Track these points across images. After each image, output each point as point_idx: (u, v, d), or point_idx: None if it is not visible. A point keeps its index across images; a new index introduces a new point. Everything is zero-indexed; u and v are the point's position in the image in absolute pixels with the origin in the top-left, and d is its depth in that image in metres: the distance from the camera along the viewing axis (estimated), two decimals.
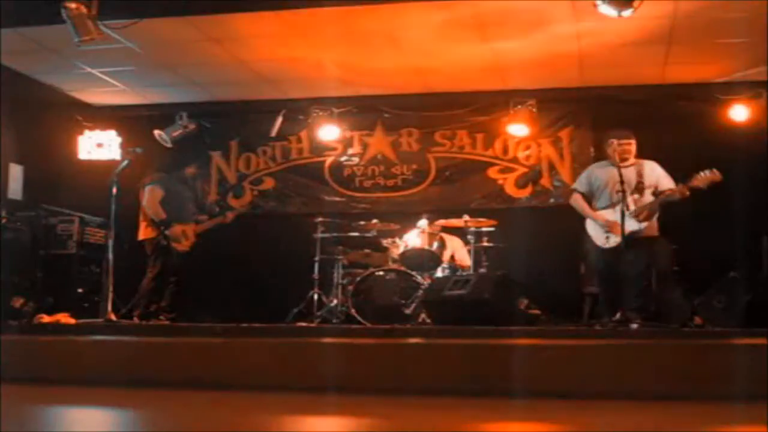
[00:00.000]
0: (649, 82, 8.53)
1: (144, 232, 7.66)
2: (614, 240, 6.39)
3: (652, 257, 6.52)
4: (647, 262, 6.40)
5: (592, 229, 6.62)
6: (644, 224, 6.39)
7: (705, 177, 6.18)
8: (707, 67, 8.15)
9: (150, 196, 7.57)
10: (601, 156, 7.31)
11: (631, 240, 6.17)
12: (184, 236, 7.65)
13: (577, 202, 6.72)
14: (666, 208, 6.60)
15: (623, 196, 6.16)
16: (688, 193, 6.28)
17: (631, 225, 6.27)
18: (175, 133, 9.12)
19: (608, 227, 6.40)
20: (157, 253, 7.56)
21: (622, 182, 6.21)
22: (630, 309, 6.07)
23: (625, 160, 6.48)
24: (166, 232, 7.50)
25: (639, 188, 6.45)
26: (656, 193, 6.48)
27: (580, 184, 6.80)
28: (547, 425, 2.58)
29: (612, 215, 6.41)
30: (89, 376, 3.40)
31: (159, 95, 9.32)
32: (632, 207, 6.34)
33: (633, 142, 6.58)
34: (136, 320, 7.27)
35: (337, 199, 9.46)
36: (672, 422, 2.53)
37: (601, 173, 6.69)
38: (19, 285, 7.60)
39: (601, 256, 6.56)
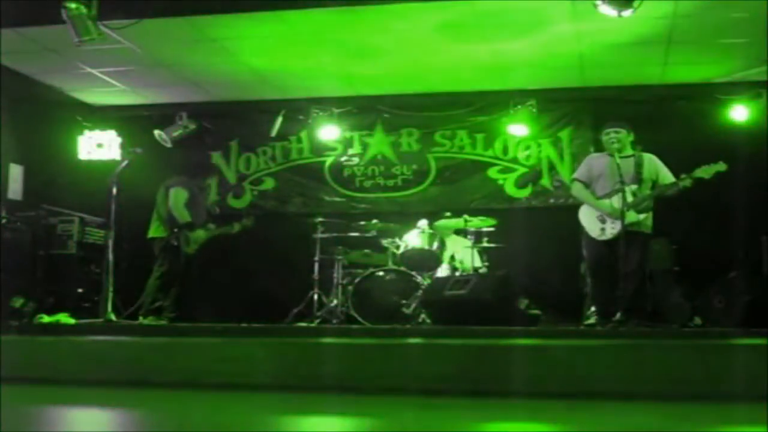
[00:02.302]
0: (649, 82, 8.53)
1: (155, 231, 7.69)
2: (610, 232, 6.37)
3: (646, 256, 6.49)
4: (640, 261, 6.35)
5: (586, 221, 6.57)
6: (642, 215, 6.36)
7: (709, 168, 6.17)
8: (707, 67, 8.16)
9: (175, 198, 7.64)
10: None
11: (627, 235, 6.15)
12: (194, 240, 7.67)
13: (579, 191, 6.69)
14: (666, 208, 6.60)
15: (622, 185, 6.17)
16: (689, 184, 6.25)
17: (630, 216, 6.24)
18: (175, 133, 9.13)
19: (613, 215, 6.33)
20: (165, 254, 7.60)
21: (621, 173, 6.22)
22: (624, 309, 6.04)
23: (616, 150, 6.45)
24: (190, 234, 7.54)
25: (637, 180, 6.44)
26: (655, 186, 6.47)
27: (580, 173, 6.79)
28: (547, 425, 2.58)
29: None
30: (89, 376, 3.40)
31: (159, 95, 9.32)
32: (630, 198, 6.30)
33: (622, 131, 6.56)
34: (140, 318, 7.33)
35: (337, 199, 9.46)
36: (672, 422, 2.53)
37: (598, 162, 6.68)
38: (19, 285, 7.60)
39: (595, 248, 6.52)
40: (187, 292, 7.80)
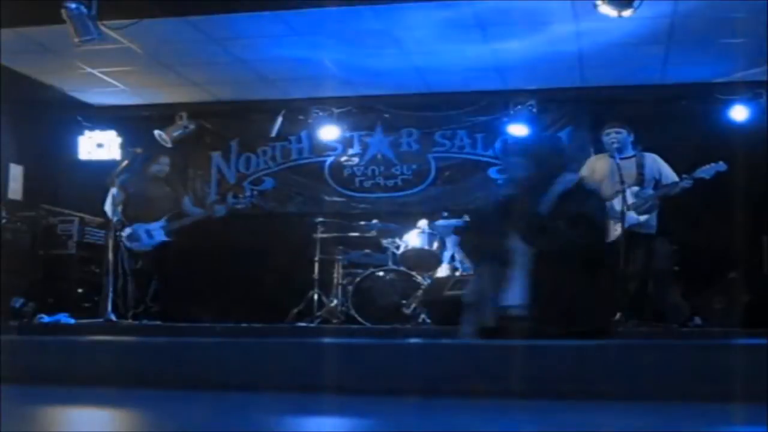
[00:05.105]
0: (649, 82, 8.53)
1: None
2: (611, 234, 6.36)
3: (650, 257, 6.48)
4: (644, 262, 6.34)
5: None
6: (644, 217, 6.35)
7: (709, 168, 6.18)
8: (707, 67, 8.15)
9: (109, 197, 7.47)
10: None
11: (630, 235, 6.14)
12: (147, 235, 7.60)
13: None
14: (666, 208, 6.59)
15: (622, 187, 6.15)
16: (689, 185, 6.24)
17: (631, 218, 6.23)
18: (175, 133, 9.13)
19: (614, 218, 6.33)
20: (128, 254, 7.55)
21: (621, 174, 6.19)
22: (624, 309, 6.02)
23: (616, 150, 6.43)
24: (119, 234, 7.46)
25: (639, 180, 6.42)
26: (657, 187, 6.46)
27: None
28: (547, 425, 2.58)
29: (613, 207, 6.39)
30: (89, 376, 3.40)
31: (159, 95, 9.32)
32: (632, 200, 6.29)
33: (622, 132, 6.56)
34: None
35: (337, 199, 9.46)
36: (672, 422, 2.52)
37: (599, 164, 6.68)
38: (19, 285, 7.61)
39: None
40: (183, 292, 7.78)
